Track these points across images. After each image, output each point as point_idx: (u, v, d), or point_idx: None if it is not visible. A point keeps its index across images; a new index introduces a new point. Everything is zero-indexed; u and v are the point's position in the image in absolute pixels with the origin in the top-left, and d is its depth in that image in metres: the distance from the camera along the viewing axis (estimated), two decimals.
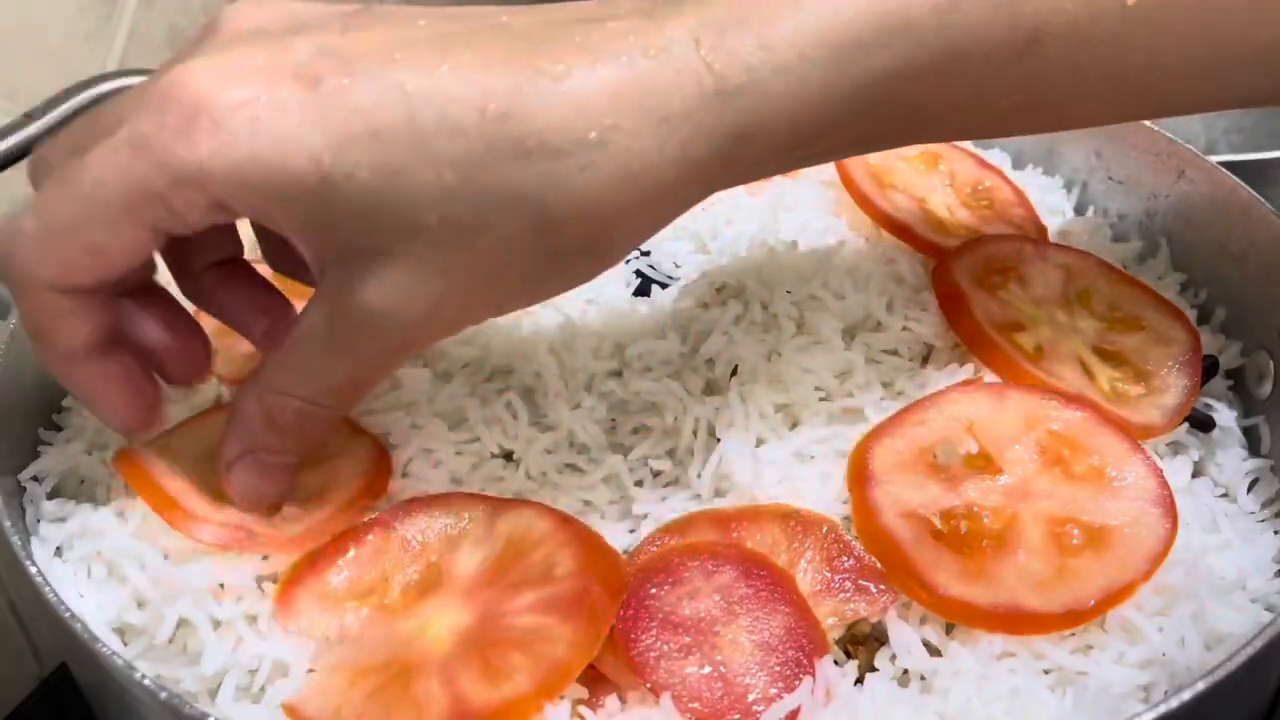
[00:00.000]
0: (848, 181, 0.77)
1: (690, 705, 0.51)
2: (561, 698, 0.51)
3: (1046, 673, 0.54)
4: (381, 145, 0.45)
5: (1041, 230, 0.80)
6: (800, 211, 0.78)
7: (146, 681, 0.51)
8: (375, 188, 0.46)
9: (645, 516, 0.62)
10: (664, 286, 0.74)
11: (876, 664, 0.55)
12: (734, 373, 0.67)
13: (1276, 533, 0.63)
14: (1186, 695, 0.48)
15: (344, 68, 0.46)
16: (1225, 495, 0.65)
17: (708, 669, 0.52)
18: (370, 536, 0.58)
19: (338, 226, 0.48)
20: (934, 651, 0.55)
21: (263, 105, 0.46)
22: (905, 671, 0.55)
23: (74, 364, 0.55)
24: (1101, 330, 0.70)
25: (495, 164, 0.46)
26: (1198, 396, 0.67)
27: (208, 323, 0.75)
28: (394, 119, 0.45)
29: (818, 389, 0.66)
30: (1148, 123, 0.81)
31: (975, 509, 0.58)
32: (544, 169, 0.46)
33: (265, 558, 0.58)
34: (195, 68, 0.47)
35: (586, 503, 0.62)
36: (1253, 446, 0.68)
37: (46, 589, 0.55)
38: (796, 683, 0.52)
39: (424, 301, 0.49)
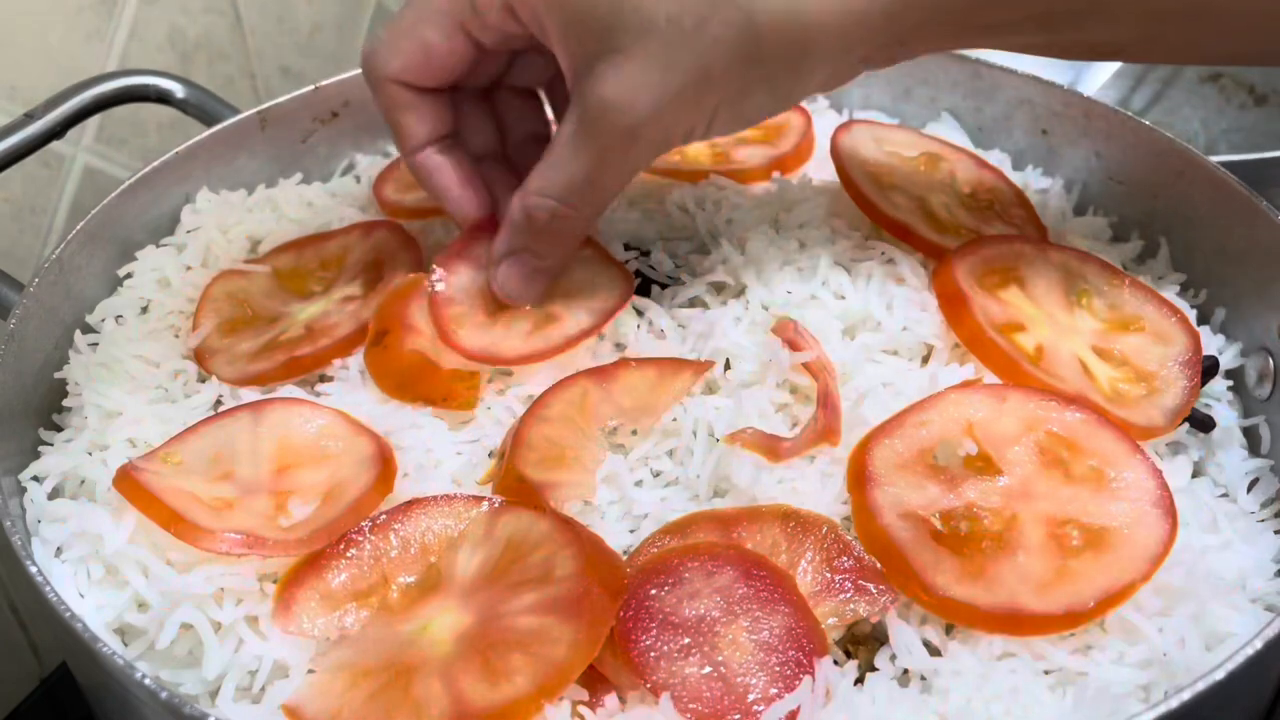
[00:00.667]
0: (847, 182, 0.77)
1: (690, 705, 0.51)
2: (562, 698, 0.51)
3: (1046, 673, 0.54)
4: None
5: (1041, 230, 0.80)
6: (800, 211, 0.78)
7: (147, 681, 0.51)
8: None
9: (645, 516, 0.62)
10: (664, 286, 0.74)
11: (876, 664, 0.55)
12: (727, 366, 0.67)
13: (1276, 533, 0.63)
14: (1186, 695, 0.48)
15: None
16: (1225, 495, 0.65)
17: (708, 669, 0.52)
18: (370, 538, 0.58)
19: (592, 26, 0.59)
20: (934, 651, 0.55)
21: None
22: (905, 671, 0.55)
23: (417, 154, 0.70)
24: (1102, 330, 0.70)
25: None
26: (1198, 397, 0.67)
27: (208, 322, 0.76)
28: None
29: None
30: (1148, 122, 0.81)
31: (975, 510, 0.58)
32: None
33: (266, 557, 0.58)
34: None
35: (586, 503, 0.62)
36: (1253, 446, 0.68)
37: (47, 589, 0.55)
38: (796, 683, 0.52)
39: (652, 94, 0.60)
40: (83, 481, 0.65)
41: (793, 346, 0.65)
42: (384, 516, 0.59)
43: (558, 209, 0.65)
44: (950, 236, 0.75)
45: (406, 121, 0.69)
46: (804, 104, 0.93)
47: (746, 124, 0.66)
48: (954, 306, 0.68)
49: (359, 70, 0.91)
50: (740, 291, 0.72)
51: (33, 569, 0.56)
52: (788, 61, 0.60)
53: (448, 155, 0.71)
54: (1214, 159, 0.77)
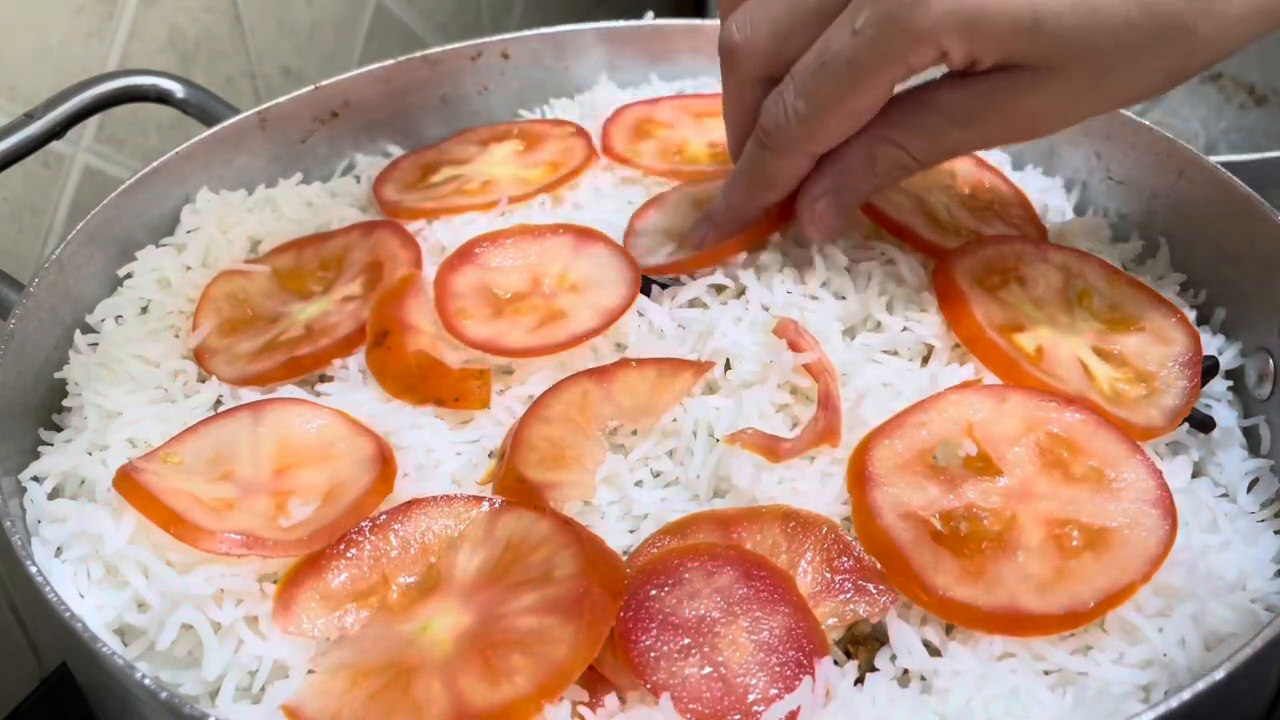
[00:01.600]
0: None
1: (690, 705, 0.51)
2: (562, 698, 0.51)
3: (1047, 673, 0.54)
4: None
5: (1041, 230, 0.80)
6: None
7: (147, 681, 0.51)
8: (1074, 22, 0.59)
9: (645, 517, 0.62)
10: (664, 286, 0.74)
11: (877, 664, 0.55)
12: (727, 366, 0.67)
13: (1277, 533, 0.63)
14: (1186, 695, 0.48)
15: None
16: (1225, 495, 0.65)
17: (708, 669, 0.52)
18: (370, 538, 0.58)
19: (1029, 49, 0.61)
20: (934, 652, 0.55)
21: None
22: (905, 671, 0.55)
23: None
24: (1102, 331, 0.70)
25: None
26: (1198, 397, 0.67)
27: (208, 322, 0.76)
28: None
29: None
30: (1148, 122, 0.81)
31: (975, 510, 0.58)
32: (1205, 2, 0.59)
33: (266, 558, 0.58)
34: None
35: (586, 503, 0.62)
36: (1253, 446, 0.68)
37: (47, 589, 0.55)
38: (796, 683, 0.52)
39: (1074, 110, 0.65)
40: (83, 481, 0.65)
41: (794, 347, 0.65)
42: (384, 517, 0.59)
43: (904, 159, 0.67)
44: (950, 237, 0.75)
45: (792, 184, 0.71)
46: None
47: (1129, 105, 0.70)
48: (954, 306, 0.68)
49: (359, 70, 0.92)
50: (740, 292, 0.72)
51: (33, 569, 0.56)
52: (1207, 67, 0.63)
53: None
54: (1214, 159, 0.77)
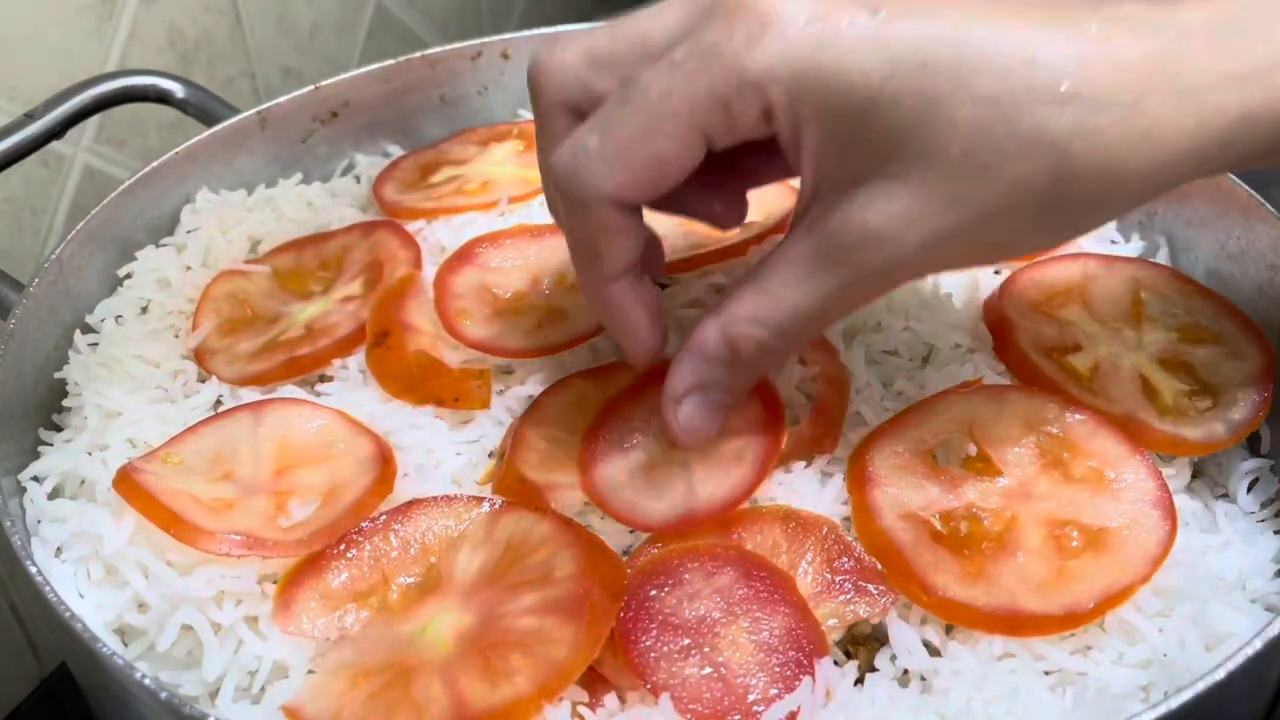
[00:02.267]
0: None
1: (690, 706, 0.51)
2: (562, 699, 0.51)
3: (1047, 673, 0.54)
4: (927, 75, 0.49)
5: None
6: None
7: (147, 682, 0.51)
8: (913, 114, 0.49)
9: None
10: (664, 286, 0.74)
11: (877, 664, 0.55)
12: None
13: (1277, 533, 0.63)
14: (1187, 695, 0.48)
15: (897, 3, 0.50)
16: (1225, 495, 0.65)
17: (708, 670, 0.52)
18: (370, 538, 0.58)
19: (861, 146, 0.51)
20: (934, 652, 0.55)
21: (828, 22, 0.50)
22: (905, 672, 0.55)
23: (614, 283, 0.59)
24: (1173, 341, 0.69)
25: (1033, 106, 0.48)
26: (1268, 413, 0.65)
27: (208, 322, 0.76)
28: (943, 54, 0.49)
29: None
30: None
31: (975, 511, 0.58)
32: (1078, 118, 0.48)
33: (266, 558, 0.58)
34: None
35: (586, 503, 0.62)
36: (1253, 446, 0.68)
37: (47, 589, 0.55)
38: (796, 683, 0.52)
39: (925, 230, 0.51)
40: (83, 481, 0.65)
41: (801, 360, 0.65)
42: (384, 517, 0.59)
43: (767, 341, 0.56)
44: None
45: (616, 247, 0.57)
46: None
47: (1004, 259, 0.63)
48: (1000, 334, 0.68)
49: (359, 70, 0.92)
50: None
51: (33, 569, 0.56)
52: (1087, 207, 0.52)
53: (640, 282, 0.60)
54: None
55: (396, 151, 0.94)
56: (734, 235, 0.76)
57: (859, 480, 0.60)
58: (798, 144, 0.53)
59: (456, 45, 0.95)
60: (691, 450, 0.60)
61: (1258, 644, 0.50)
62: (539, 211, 0.83)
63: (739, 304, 0.56)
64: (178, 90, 0.88)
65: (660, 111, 0.52)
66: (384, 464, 0.62)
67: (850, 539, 0.58)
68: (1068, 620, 0.54)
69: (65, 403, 0.71)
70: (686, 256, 0.74)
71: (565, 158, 0.54)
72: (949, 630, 0.56)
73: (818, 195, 0.54)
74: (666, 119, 0.52)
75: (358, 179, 0.91)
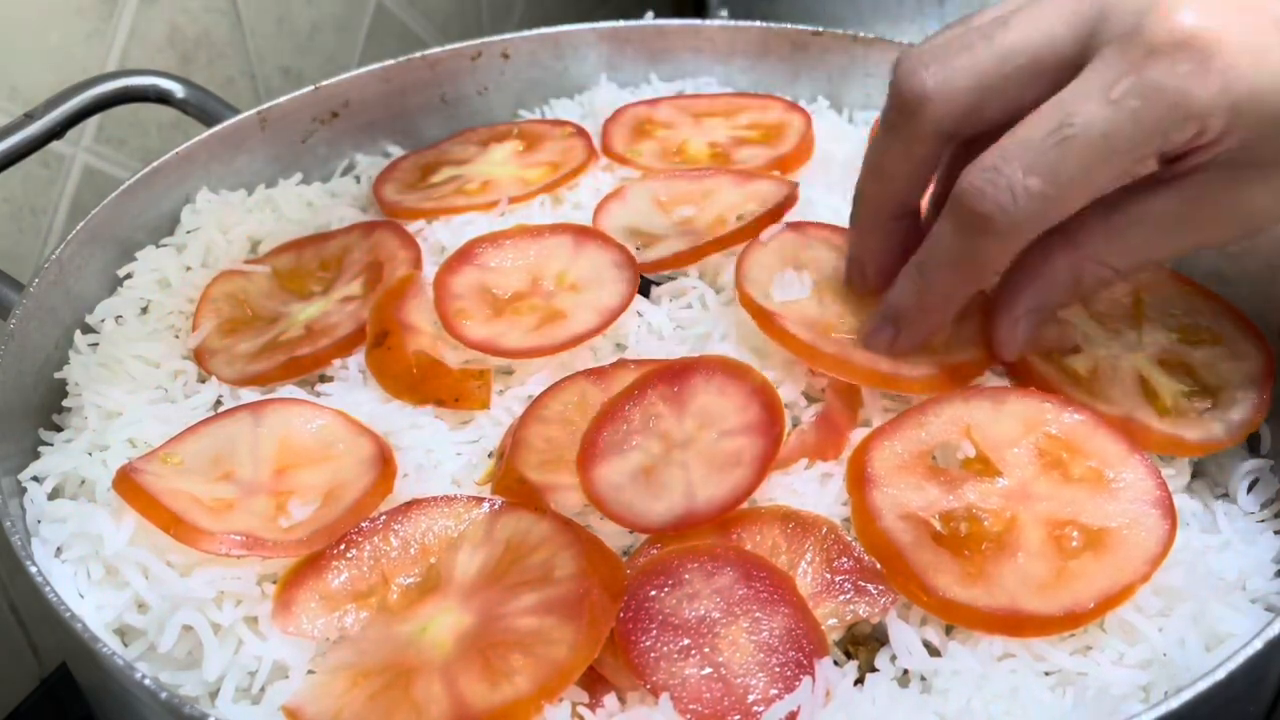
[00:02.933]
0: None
1: (690, 706, 0.51)
2: (561, 699, 0.51)
3: (1047, 674, 0.54)
4: None
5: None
6: (799, 212, 0.78)
7: (147, 682, 0.51)
8: None
9: None
10: (657, 284, 0.74)
11: (877, 664, 0.55)
12: None
13: (1277, 533, 0.63)
14: (1187, 695, 0.48)
15: None
16: (1225, 495, 0.65)
17: (707, 670, 0.52)
18: (370, 538, 0.58)
19: (1273, 141, 0.55)
20: (934, 652, 0.55)
21: (1259, 49, 0.53)
22: (905, 672, 0.55)
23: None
24: (1172, 341, 0.69)
25: None
26: (1267, 414, 0.65)
27: (208, 323, 0.76)
28: None
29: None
30: None
31: (975, 511, 0.58)
32: None
33: (266, 559, 0.58)
34: (1194, 17, 0.54)
35: (586, 504, 0.62)
36: (1253, 447, 0.68)
37: (47, 589, 0.55)
38: (796, 683, 0.52)
39: None
40: (83, 482, 0.65)
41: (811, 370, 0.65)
42: (384, 517, 0.59)
43: (1112, 280, 0.61)
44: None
45: (1001, 268, 0.62)
46: (803, 104, 0.93)
47: None
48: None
49: (359, 70, 0.92)
50: None
51: (33, 569, 0.56)
52: None
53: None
54: None
55: (396, 151, 0.94)
56: (732, 226, 0.76)
57: (859, 481, 0.60)
58: (1229, 141, 0.56)
59: (456, 45, 0.96)
60: (692, 454, 0.60)
61: (1258, 644, 0.50)
62: (539, 212, 0.83)
63: (1090, 244, 0.60)
64: (178, 90, 0.88)
65: (1105, 151, 0.55)
66: (384, 464, 0.62)
67: (850, 539, 0.58)
68: (1068, 620, 0.54)
69: (65, 403, 0.71)
70: (684, 250, 0.74)
71: (1003, 195, 0.56)
72: (949, 630, 0.56)
73: (1199, 168, 0.57)
74: (1111, 158, 0.55)
75: (358, 179, 0.91)
